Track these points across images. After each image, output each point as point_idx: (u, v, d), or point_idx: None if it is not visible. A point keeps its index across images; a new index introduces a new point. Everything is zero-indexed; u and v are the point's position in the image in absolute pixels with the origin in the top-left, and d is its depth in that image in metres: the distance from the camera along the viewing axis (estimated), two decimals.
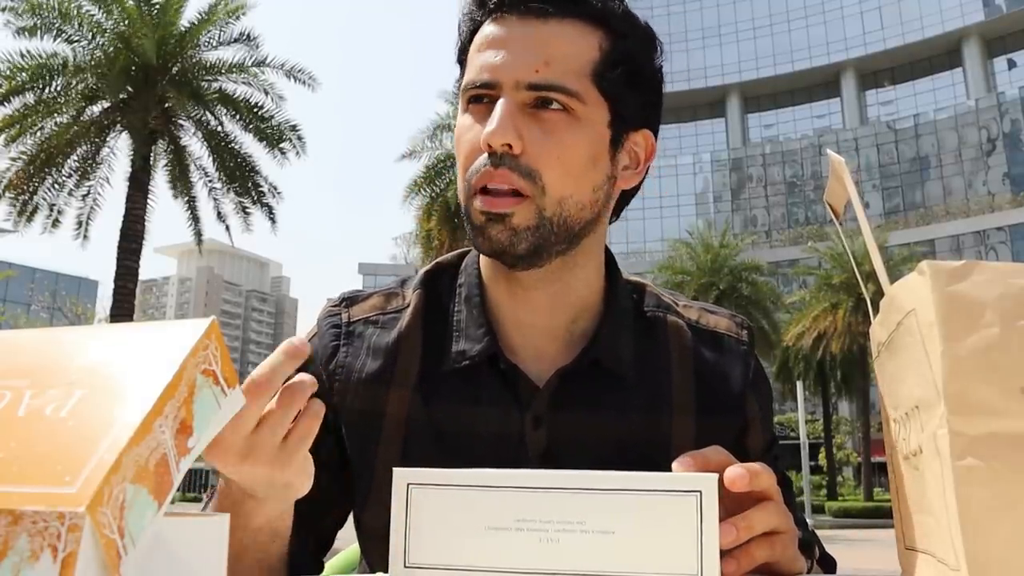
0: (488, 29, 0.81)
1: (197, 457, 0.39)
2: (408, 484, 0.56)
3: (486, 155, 0.77)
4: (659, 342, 0.87)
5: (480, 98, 0.79)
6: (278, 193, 15.63)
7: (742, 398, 0.87)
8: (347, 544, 1.08)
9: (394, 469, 0.56)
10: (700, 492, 0.52)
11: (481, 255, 0.87)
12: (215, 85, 14.88)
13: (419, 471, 0.56)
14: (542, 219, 0.77)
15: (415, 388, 0.84)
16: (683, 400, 0.85)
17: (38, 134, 14.29)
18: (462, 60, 0.85)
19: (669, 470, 0.79)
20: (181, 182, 15.33)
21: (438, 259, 0.94)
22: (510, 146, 0.75)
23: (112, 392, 0.35)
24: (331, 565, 1.11)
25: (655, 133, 0.87)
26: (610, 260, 0.90)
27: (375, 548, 0.85)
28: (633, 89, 0.82)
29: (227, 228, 15.97)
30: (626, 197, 0.88)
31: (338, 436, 0.85)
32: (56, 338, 0.41)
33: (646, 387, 0.85)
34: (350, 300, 0.91)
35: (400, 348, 0.85)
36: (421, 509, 0.56)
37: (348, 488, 0.86)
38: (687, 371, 0.87)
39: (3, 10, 13.21)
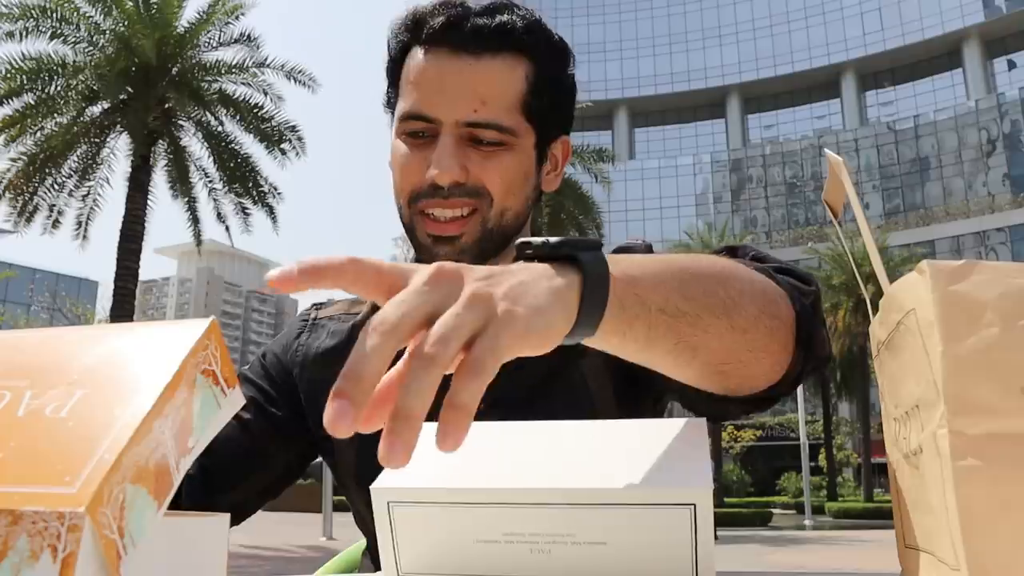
0: (422, 60, 0.85)
1: None
2: (388, 503, 0.54)
3: (432, 185, 0.83)
4: None
5: (418, 132, 0.85)
6: (278, 193, 15.64)
7: None
8: (347, 544, 1.08)
9: (371, 487, 0.55)
10: (694, 505, 0.50)
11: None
12: (215, 86, 14.88)
13: (398, 488, 0.54)
14: (485, 231, 0.85)
15: None
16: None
17: (38, 134, 14.30)
18: (392, 77, 0.90)
19: (588, 401, 0.86)
20: (181, 182, 15.33)
21: None
22: (457, 181, 0.83)
23: (112, 392, 0.35)
24: (330, 566, 1.12)
25: (569, 133, 0.96)
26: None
27: (359, 497, 0.93)
28: (554, 109, 0.89)
29: (227, 229, 15.97)
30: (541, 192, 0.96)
31: (294, 410, 0.96)
32: (57, 338, 0.41)
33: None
34: (321, 304, 1.04)
35: (354, 334, 0.95)
36: (405, 525, 0.55)
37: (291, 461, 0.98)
38: None
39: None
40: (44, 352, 0.40)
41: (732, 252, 0.79)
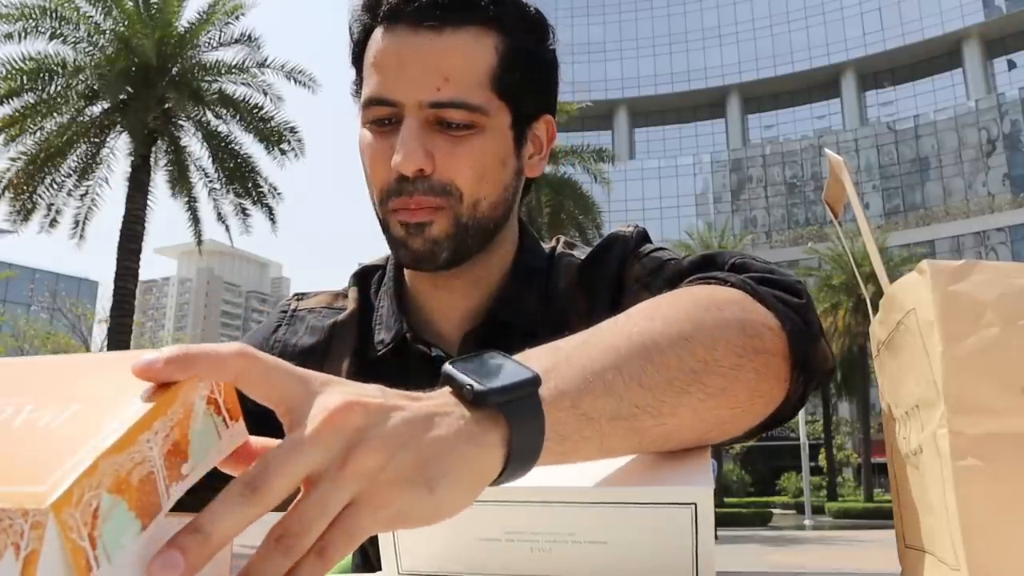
0: (382, 41, 0.79)
1: None
2: None
3: (397, 176, 0.77)
4: (558, 287, 0.88)
5: (382, 119, 0.79)
6: (278, 194, 15.64)
7: (621, 269, 0.86)
8: None
9: None
10: (695, 504, 0.50)
11: None
12: (215, 86, 14.88)
13: None
14: (459, 225, 0.79)
15: (346, 370, 0.88)
16: (578, 318, 0.84)
17: (38, 134, 14.30)
18: (356, 63, 0.85)
19: None
20: (181, 182, 15.33)
21: (366, 263, 1.00)
22: (422, 169, 0.76)
23: (105, 407, 0.35)
24: None
25: (554, 113, 0.89)
26: (523, 228, 0.93)
27: None
28: (531, 85, 0.83)
29: (227, 229, 15.97)
30: (531, 179, 0.90)
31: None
32: (70, 362, 0.41)
33: (550, 329, 0.84)
34: (303, 295, 0.99)
35: (335, 332, 0.91)
36: None
37: None
38: (576, 291, 0.87)
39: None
40: (55, 374, 0.40)
41: (710, 261, 0.74)
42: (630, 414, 0.48)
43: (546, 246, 0.94)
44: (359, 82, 0.85)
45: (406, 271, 0.92)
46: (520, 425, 0.42)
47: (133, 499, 0.33)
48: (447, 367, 0.44)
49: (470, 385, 0.42)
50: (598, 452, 0.49)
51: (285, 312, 0.96)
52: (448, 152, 0.77)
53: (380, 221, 0.83)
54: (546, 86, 0.86)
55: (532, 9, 0.84)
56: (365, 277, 0.97)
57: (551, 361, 0.48)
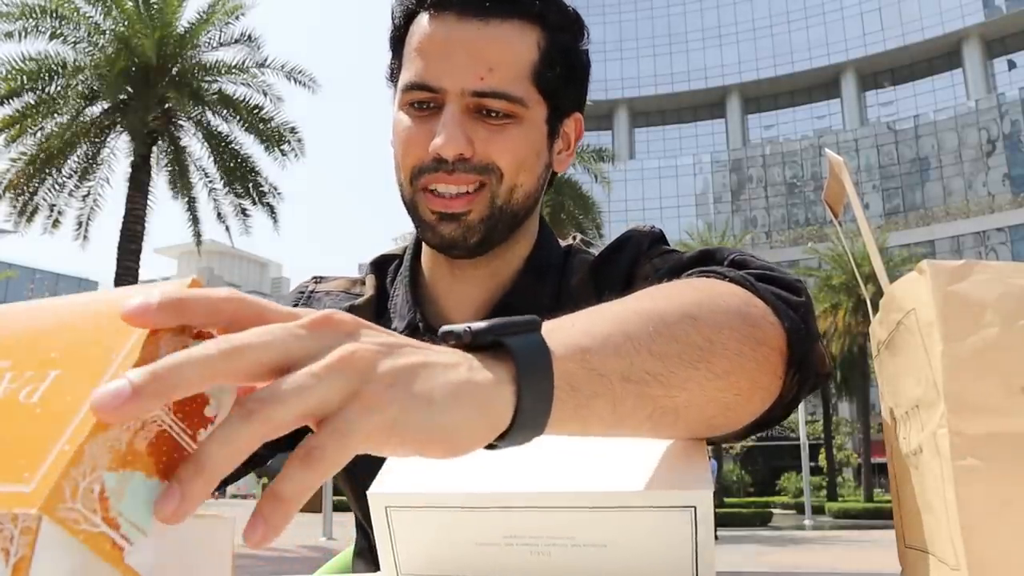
0: (427, 26, 0.80)
1: None
2: (387, 507, 0.53)
3: (435, 157, 0.78)
4: (570, 283, 0.89)
5: (422, 103, 0.80)
6: (278, 194, 15.63)
7: (632, 268, 0.85)
8: (347, 544, 1.08)
9: (369, 493, 0.53)
10: (695, 508, 0.50)
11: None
12: (215, 86, 14.88)
13: (396, 493, 0.53)
14: (494, 208, 0.81)
15: None
16: None
17: (38, 134, 14.29)
18: (396, 47, 0.86)
19: None
20: (181, 182, 15.33)
21: (384, 252, 1.00)
22: (462, 153, 0.78)
23: (86, 371, 0.32)
24: (330, 565, 1.11)
25: (583, 112, 0.91)
26: (542, 223, 0.94)
27: (353, 492, 0.90)
28: (567, 82, 0.85)
29: (227, 229, 15.97)
30: (554, 174, 0.91)
31: None
32: (42, 309, 0.38)
33: None
34: (321, 278, 0.99)
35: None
36: (404, 529, 0.54)
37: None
38: (588, 289, 0.88)
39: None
40: (29, 327, 0.37)
41: (709, 256, 0.74)
42: (640, 379, 0.46)
43: (563, 243, 0.95)
44: (395, 65, 0.86)
45: (424, 260, 0.92)
46: (526, 361, 0.39)
47: (149, 465, 0.31)
48: (444, 327, 0.42)
49: (467, 328, 0.40)
50: (611, 415, 0.45)
51: (303, 293, 0.97)
52: (487, 139, 0.79)
53: (406, 202, 0.84)
54: (580, 84, 0.88)
55: (571, 8, 0.86)
56: (382, 266, 0.97)
57: (556, 323, 0.46)
